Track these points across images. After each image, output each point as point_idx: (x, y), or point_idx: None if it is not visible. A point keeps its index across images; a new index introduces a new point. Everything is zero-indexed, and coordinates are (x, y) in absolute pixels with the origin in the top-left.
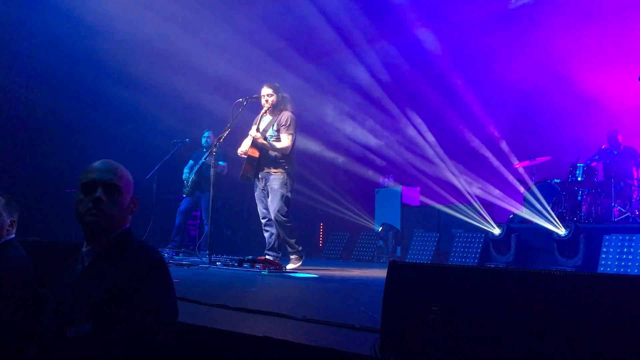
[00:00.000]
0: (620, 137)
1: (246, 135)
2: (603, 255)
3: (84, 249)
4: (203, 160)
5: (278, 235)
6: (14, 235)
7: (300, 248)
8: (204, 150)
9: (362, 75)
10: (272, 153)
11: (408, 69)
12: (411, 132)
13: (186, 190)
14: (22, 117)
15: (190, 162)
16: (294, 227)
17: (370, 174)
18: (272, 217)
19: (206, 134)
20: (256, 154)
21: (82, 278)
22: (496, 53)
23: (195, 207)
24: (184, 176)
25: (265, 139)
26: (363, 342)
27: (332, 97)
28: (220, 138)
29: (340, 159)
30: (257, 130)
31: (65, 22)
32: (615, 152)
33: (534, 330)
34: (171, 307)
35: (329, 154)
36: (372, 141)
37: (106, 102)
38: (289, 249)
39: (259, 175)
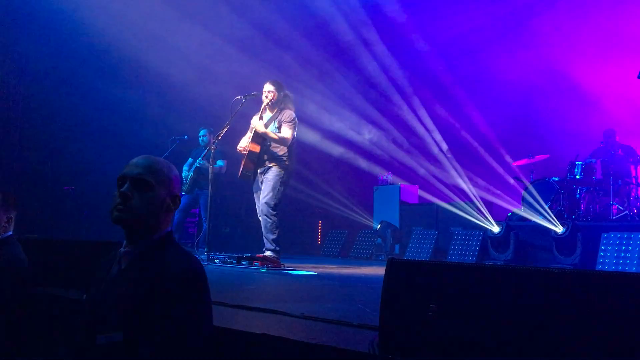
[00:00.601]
0: (617, 137)
1: (245, 132)
2: (601, 254)
3: (122, 249)
4: (198, 163)
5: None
6: (11, 233)
7: (277, 248)
8: (203, 148)
9: (361, 73)
10: (273, 148)
11: (406, 67)
12: (410, 129)
13: (184, 187)
14: (19, 114)
15: (189, 159)
16: (277, 223)
17: (369, 171)
18: (259, 207)
19: (202, 133)
20: (257, 149)
21: (117, 280)
22: (495, 51)
23: (193, 204)
24: (182, 174)
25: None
26: (361, 339)
27: (334, 94)
28: (218, 136)
29: (339, 155)
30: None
31: (63, 20)
32: (612, 152)
33: (531, 327)
34: (207, 322)
35: (328, 152)
36: (371, 138)
37: (105, 99)
38: (267, 244)
39: (258, 171)
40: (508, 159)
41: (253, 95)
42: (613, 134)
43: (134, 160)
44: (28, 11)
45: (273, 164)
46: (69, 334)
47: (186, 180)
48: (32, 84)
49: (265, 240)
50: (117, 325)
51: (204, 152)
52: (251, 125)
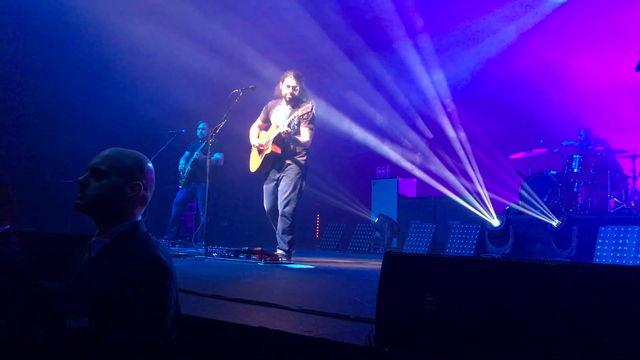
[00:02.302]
0: (594, 133)
1: (246, 126)
2: (598, 247)
3: (92, 239)
4: (196, 155)
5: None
6: (8, 227)
7: (290, 249)
8: (200, 141)
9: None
10: (293, 148)
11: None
12: (407, 122)
13: (182, 181)
14: (16, 107)
15: (187, 153)
16: (294, 225)
17: (366, 164)
18: (279, 206)
19: (201, 126)
20: (278, 150)
21: (87, 269)
22: (496, 46)
23: (191, 198)
24: (179, 167)
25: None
26: (358, 332)
27: (329, 85)
28: (216, 129)
29: (337, 148)
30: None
31: (61, 13)
32: (590, 147)
33: (528, 320)
34: (171, 312)
35: (326, 145)
36: (370, 131)
37: (102, 92)
38: (280, 244)
39: (275, 167)
40: (507, 151)
41: (251, 88)
42: (589, 131)
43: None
44: (25, 5)
45: (292, 160)
46: (47, 320)
47: (183, 173)
48: (29, 77)
49: (279, 239)
50: (84, 311)
51: (202, 145)
52: (273, 122)
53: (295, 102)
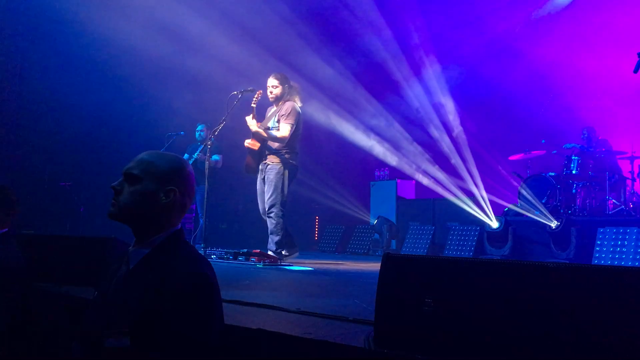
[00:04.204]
0: (597, 134)
1: (245, 128)
2: (597, 248)
3: (130, 249)
4: (196, 155)
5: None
6: (7, 230)
7: (279, 250)
8: (199, 143)
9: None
10: (270, 143)
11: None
12: (405, 124)
13: None
14: (16, 109)
15: (185, 155)
16: (282, 225)
17: (365, 166)
18: (265, 208)
19: (199, 128)
20: (256, 146)
21: (125, 282)
22: (496, 46)
23: None
24: None
25: (267, 129)
26: (357, 334)
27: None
28: (215, 131)
29: (336, 150)
30: (253, 118)
31: (60, 14)
32: (591, 149)
33: (527, 321)
34: (215, 330)
35: (324, 146)
36: (369, 133)
37: (101, 94)
38: (269, 244)
39: (260, 167)
40: (505, 153)
41: (250, 90)
42: (592, 130)
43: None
44: (25, 5)
45: (272, 159)
46: (81, 332)
47: None
48: (28, 79)
49: (269, 239)
50: (125, 329)
51: (200, 147)
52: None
53: (278, 101)
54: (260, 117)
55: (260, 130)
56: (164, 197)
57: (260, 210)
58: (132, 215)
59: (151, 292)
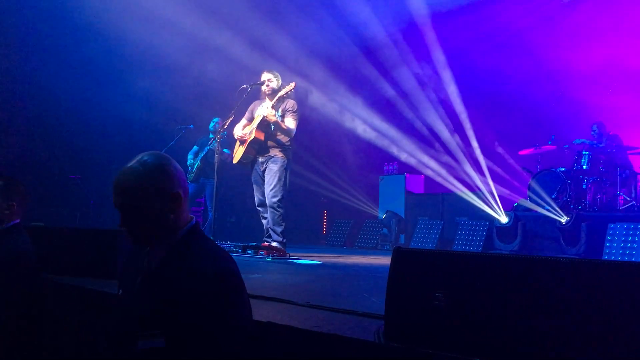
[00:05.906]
0: (607, 129)
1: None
2: (607, 244)
3: (148, 248)
4: (208, 147)
5: None
6: (18, 221)
7: (284, 240)
8: (210, 136)
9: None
10: (278, 136)
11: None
12: (416, 120)
13: (190, 176)
14: (25, 101)
15: (195, 147)
16: (284, 215)
17: (374, 160)
18: (266, 200)
19: (215, 120)
20: (262, 136)
21: (152, 280)
22: (503, 42)
23: (199, 193)
24: (188, 162)
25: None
26: (367, 328)
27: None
28: (225, 124)
29: (345, 144)
30: (273, 107)
31: (69, 5)
32: (601, 145)
33: (537, 316)
34: (244, 323)
35: (334, 141)
36: (378, 127)
37: (111, 86)
38: (274, 236)
39: (260, 160)
40: (515, 148)
41: (259, 84)
42: (602, 126)
43: (113, 182)
44: (25, 6)
45: (276, 152)
46: (108, 331)
47: (192, 168)
48: (37, 72)
49: (272, 232)
50: (158, 330)
51: (211, 138)
52: (256, 113)
53: (275, 94)
54: (240, 114)
55: (278, 120)
56: (171, 203)
57: (256, 202)
58: (151, 235)
59: (177, 292)
